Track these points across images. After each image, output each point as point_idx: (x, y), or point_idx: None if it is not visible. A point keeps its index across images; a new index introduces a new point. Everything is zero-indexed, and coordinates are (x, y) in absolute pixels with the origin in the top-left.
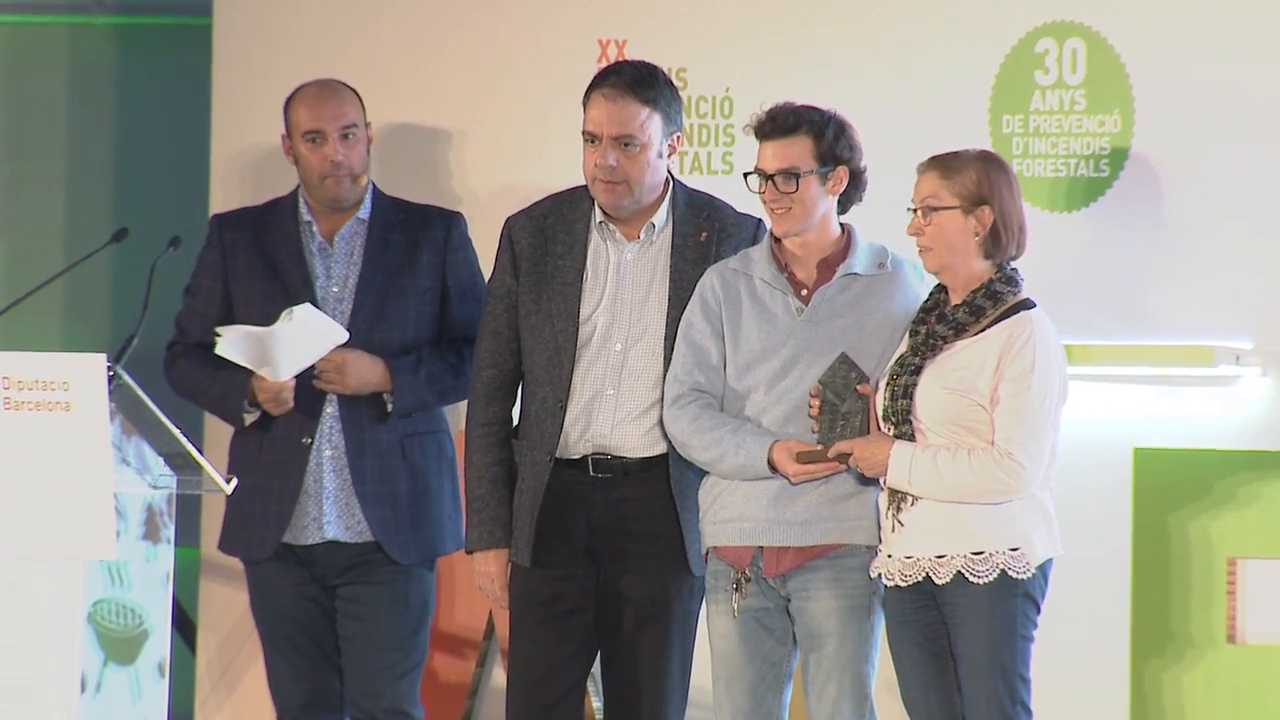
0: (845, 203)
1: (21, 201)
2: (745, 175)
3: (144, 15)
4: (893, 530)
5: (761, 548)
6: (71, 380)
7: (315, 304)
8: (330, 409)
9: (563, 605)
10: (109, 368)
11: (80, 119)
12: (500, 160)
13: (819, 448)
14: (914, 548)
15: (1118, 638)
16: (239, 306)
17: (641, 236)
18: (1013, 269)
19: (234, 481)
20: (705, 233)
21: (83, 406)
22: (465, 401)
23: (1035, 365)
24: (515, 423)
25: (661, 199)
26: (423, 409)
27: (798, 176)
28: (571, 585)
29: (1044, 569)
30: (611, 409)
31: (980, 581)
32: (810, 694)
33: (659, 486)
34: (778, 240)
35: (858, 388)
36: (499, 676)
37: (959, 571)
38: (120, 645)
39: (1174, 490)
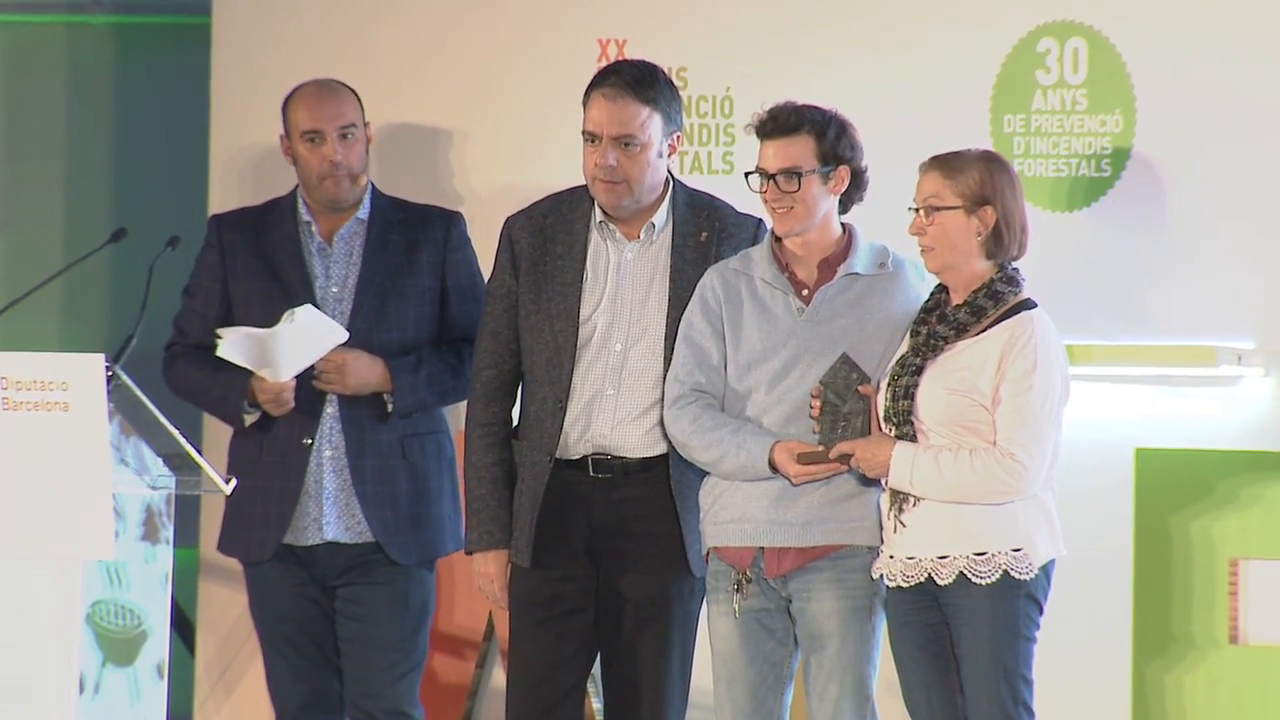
0: (846, 202)
1: (20, 201)
2: (746, 175)
3: (143, 15)
4: (895, 531)
5: (762, 548)
6: (70, 380)
7: (315, 304)
8: (330, 409)
9: (562, 606)
10: (107, 368)
11: (79, 119)
12: (500, 160)
13: (820, 448)
14: (916, 548)
15: (1119, 638)
16: (238, 307)
17: (641, 236)
18: (1014, 269)
19: (233, 482)
20: (705, 233)
21: (81, 407)
22: (465, 402)
23: (1037, 365)
24: (515, 423)
25: (661, 199)
26: (423, 409)
27: (800, 176)
28: (571, 586)
29: (1046, 569)
30: (611, 409)
31: (982, 582)
32: (811, 695)
33: (659, 487)
34: (778, 240)
35: (859, 388)
36: (499, 677)
37: (961, 572)
38: (119, 646)
39: (1176, 491)
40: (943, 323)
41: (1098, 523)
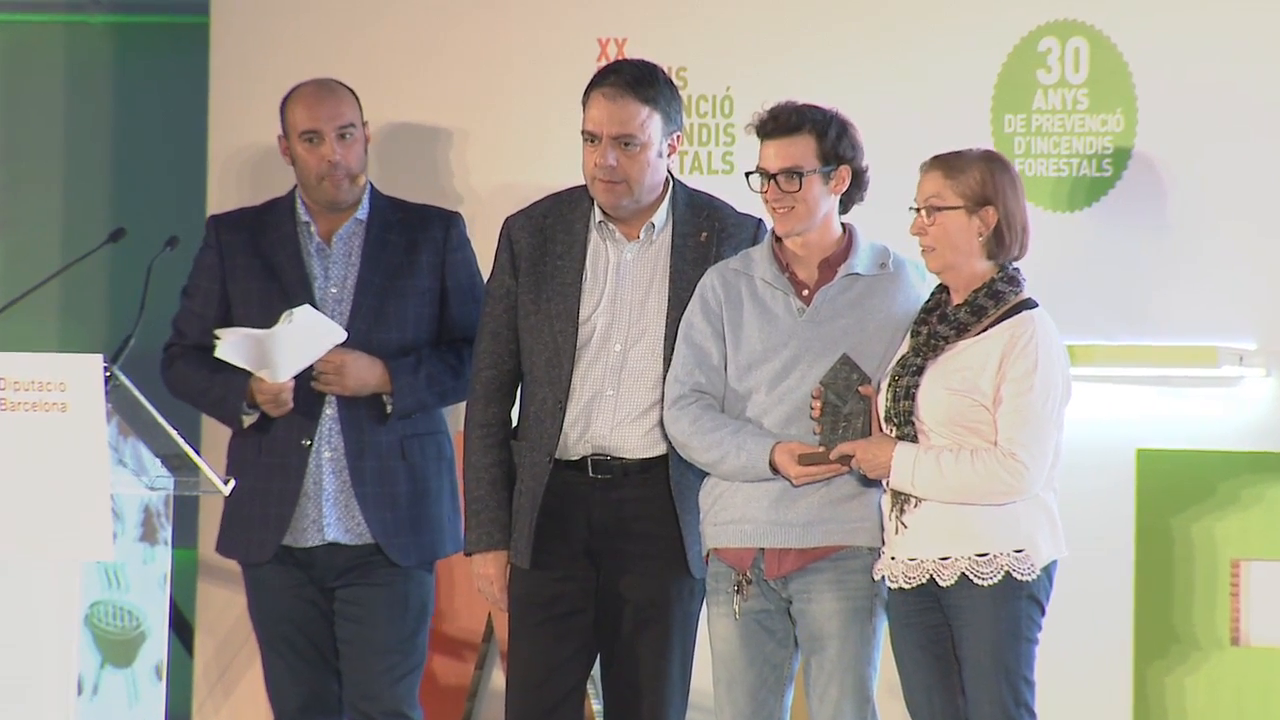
0: (847, 202)
1: (18, 201)
2: (747, 175)
3: (141, 14)
4: (896, 532)
5: (763, 549)
6: (68, 381)
7: (313, 305)
8: (329, 410)
9: (562, 607)
10: (106, 368)
11: (77, 118)
12: (500, 159)
13: (821, 449)
14: (917, 550)
15: (1121, 640)
16: (236, 308)
17: (641, 236)
18: (1015, 269)
19: (232, 483)
20: (705, 233)
21: (79, 407)
22: (464, 402)
23: (1038, 365)
24: (514, 424)
25: (661, 199)
26: (422, 410)
27: (801, 176)
28: (571, 587)
29: (1048, 570)
30: (611, 410)
31: (984, 583)
32: (812, 696)
33: (659, 488)
34: (779, 240)
35: (859, 389)
36: (498, 679)
37: (963, 573)
38: (117, 647)
39: (1177, 492)
40: (943, 323)
41: (1099, 524)
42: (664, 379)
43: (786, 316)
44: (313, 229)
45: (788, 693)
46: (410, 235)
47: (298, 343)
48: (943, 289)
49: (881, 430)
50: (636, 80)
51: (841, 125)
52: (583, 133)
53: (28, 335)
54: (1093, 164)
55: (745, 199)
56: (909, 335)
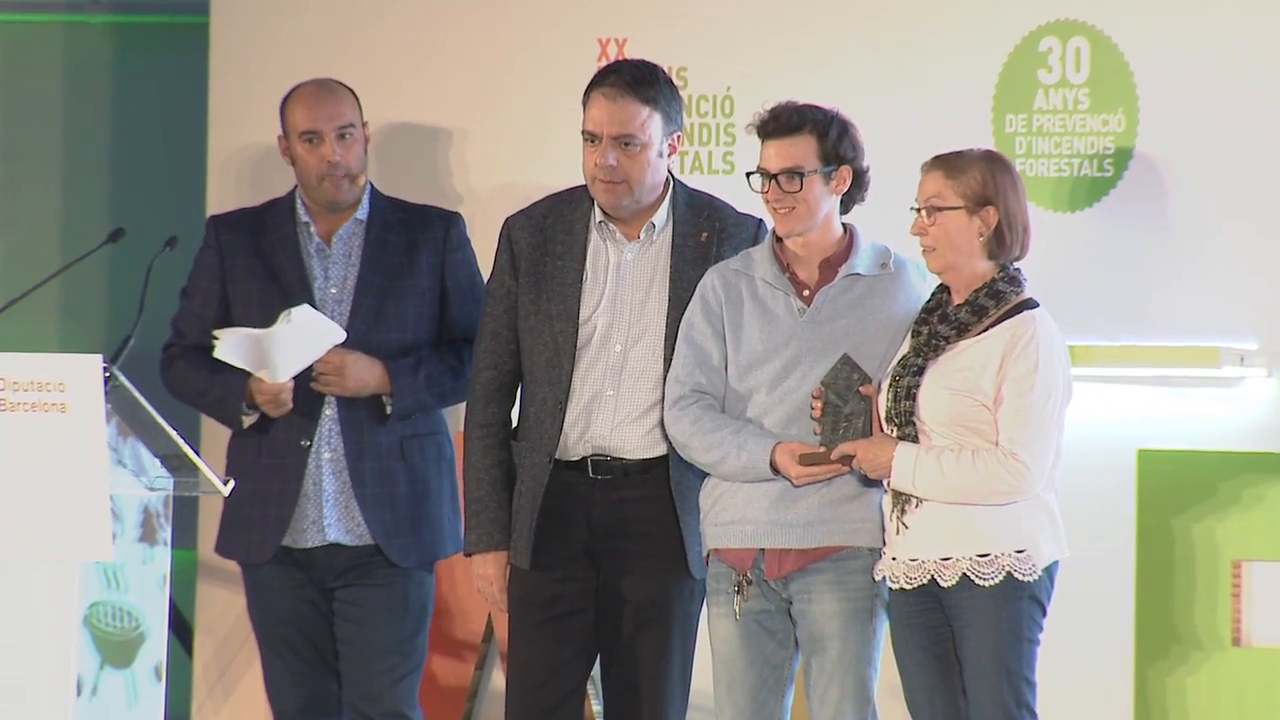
0: (848, 202)
1: (17, 201)
2: (748, 175)
3: (140, 14)
4: (897, 533)
5: (763, 550)
6: (67, 381)
7: (313, 305)
8: (329, 411)
9: (562, 607)
10: (105, 368)
11: (76, 118)
12: (500, 159)
13: (821, 449)
14: (919, 550)
15: (1122, 640)
16: (236, 308)
17: (641, 236)
18: (1016, 269)
19: (231, 483)
20: (706, 233)
21: (79, 408)
22: (464, 403)
23: (1039, 365)
24: (514, 424)
25: (662, 199)
26: (422, 411)
27: (802, 176)
28: (571, 587)
29: (1050, 571)
30: (611, 410)
31: (986, 584)
32: (812, 697)
33: (659, 488)
34: (779, 240)
35: (860, 389)
36: (498, 679)
37: (964, 574)
38: (116, 648)
39: (1178, 492)
40: (944, 323)
41: (1100, 524)
42: (664, 379)
43: (787, 317)
44: (312, 229)
45: (788, 693)
46: (410, 235)
47: (297, 343)
48: (944, 289)
49: (882, 430)
50: (637, 80)
51: (842, 125)
52: (583, 133)
53: (27, 335)
54: (1094, 164)
55: (746, 199)
56: (910, 335)
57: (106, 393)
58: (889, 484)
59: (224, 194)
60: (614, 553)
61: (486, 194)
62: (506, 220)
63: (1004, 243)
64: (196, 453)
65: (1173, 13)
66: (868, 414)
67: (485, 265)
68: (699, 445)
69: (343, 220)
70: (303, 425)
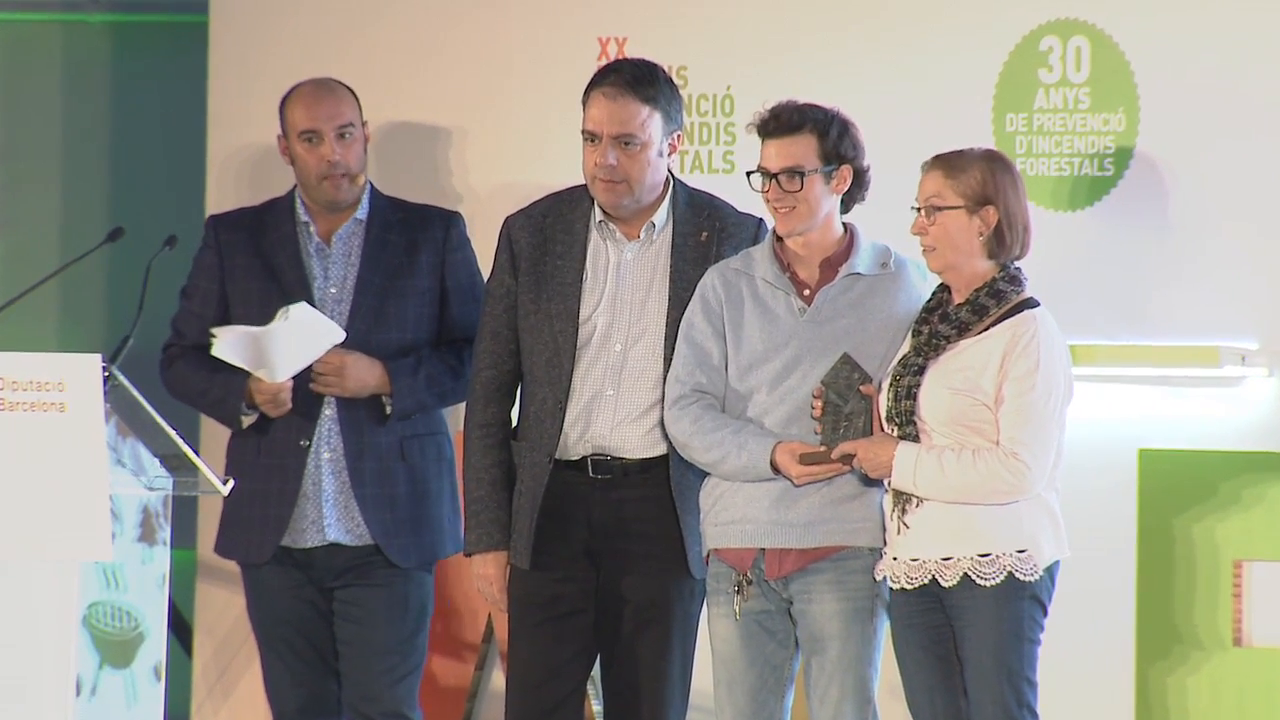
0: (848, 202)
1: (16, 201)
2: (748, 174)
3: (139, 13)
4: (898, 532)
5: (763, 550)
6: (66, 381)
7: (313, 305)
8: (329, 411)
9: (562, 607)
10: (104, 368)
11: (75, 117)
12: (499, 159)
13: (822, 449)
14: (920, 550)
15: (1123, 640)
16: (235, 308)
17: (641, 236)
18: (1017, 268)
19: (230, 483)
20: (706, 232)
21: (78, 407)
22: (464, 403)
23: (1040, 364)
24: (514, 424)
25: (662, 198)
26: (422, 411)
27: (802, 175)
28: (571, 587)
29: (1051, 571)
30: (611, 410)
31: (987, 584)
32: (812, 698)
33: (659, 488)
34: (780, 240)
35: (861, 388)
36: (498, 680)
37: (965, 574)
38: (115, 648)
39: (1179, 492)
40: (945, 322)
41: (1101, 524)
42: (664, 379)
43: (788, 316)
44: (312, 229)
45: (788, 694)
46: (410, 235)
47: (295, 341)
48: (944, 288)
49: (883, 430)
50: (637, 79)
51: (843, 124)
52: (583, 132)
53: (26, 335)
54: (1094, 163)
55: (746, 198)
56: (910, 335)
57: (106, 392)
58: (890, 483)
59: (223, 193)
60: (614, 553)
61: (486, 193)
62: (506, 220)
63: (1004, 242)
64: (196, 452)
65: (1174, 12)
66: (868, 413)
67: (485, 265)
68: (699, 445)
69: (342, 220)
70: (302, 425)
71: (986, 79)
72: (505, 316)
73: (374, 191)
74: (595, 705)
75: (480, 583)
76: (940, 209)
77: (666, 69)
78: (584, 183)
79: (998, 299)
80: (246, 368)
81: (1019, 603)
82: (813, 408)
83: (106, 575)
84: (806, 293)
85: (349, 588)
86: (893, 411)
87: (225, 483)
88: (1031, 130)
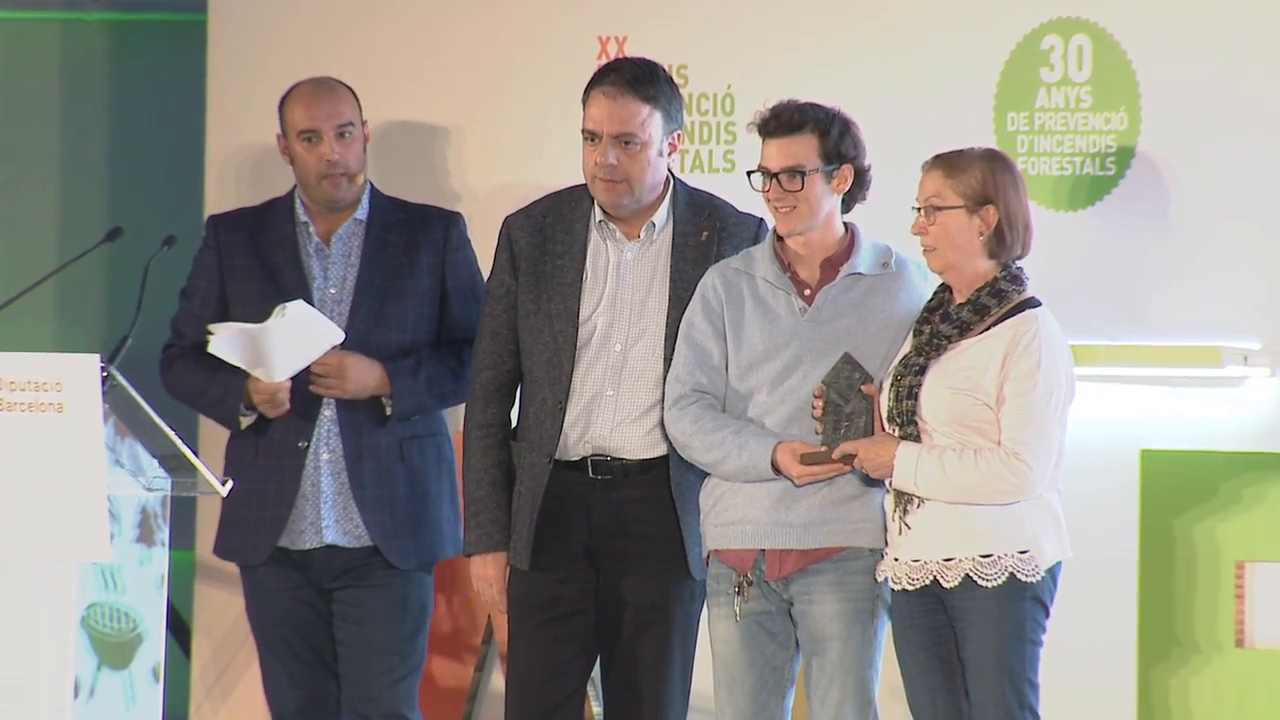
0: (849, 201)
1: (14, 200)
2: (749, 174)
3: (138, 12)
4: (899, 533)
5: (764, 550)
6: (64, 381)
7: (312, 306)
8: (328, 412)
9: (562, 608)
10: (102, 368)
11: (74, 116)
12: (499, 158)
13: (823, 449)
14: (921, 551)
15: (1124, 641)
16: (235, 308)
17: (642, 236)
18: (1018, 268)
19: (229, 484)
20: (706, 232)
21: (76, 407)
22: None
23: (1041, 364)
24: (514, 424)
25: (662, 198)
26: (422, 413)
27: (803, 175)
28: (571, 588)
29: (1053, 572)
30: (611, 410)
31: (988, 585)
32: (813, 699)
33: (659, 488)
34: (780, 239)
35: (861, 388)
36: (498, 681)
37: (967, 575)
38: (114, 650)
39: (1181, 493)
40: (946, 322)
41: (1102, 525)
42: (664, 379)
43: (788, 316)
44: (312, 229)
45: (789, 695)
46: (410, 235)
47: (293, 340)
48: (945, 288)
49: (884, 430)
50: (637, 79)
51: (844, 124)
52: (583, 131)
53: (24, 335)
54: (1096, 163)
55: (747, 198)
56: (911, 334)
57: (104, 392)
58: (891, 484)
59: (222, 193)
60: (614, 553)
61: (485, 193)
62: (506, 219)
63: (1004, 242)
64: (194, 453)
65: (1175, 11)
66: (869, 413)
67: (484, 265)
68: (700, 445)
69: (342, 220)
70: (300, 426)
71: (988, 78)
72: (505, 317)
73: (374, 192)
74: (595, 706)
75: (480, 583)
76: (940, 209)
77: (667, 68)
78: (584, 182)
79: (999, 298)
80: (243, 366)
81: (1021, 604)
82: (814, 408)
83: (105, 576)
84: (807, 292)
85: (348, 589)
86: (894, 411)
87: (224, 483)
88: (1033, 129)
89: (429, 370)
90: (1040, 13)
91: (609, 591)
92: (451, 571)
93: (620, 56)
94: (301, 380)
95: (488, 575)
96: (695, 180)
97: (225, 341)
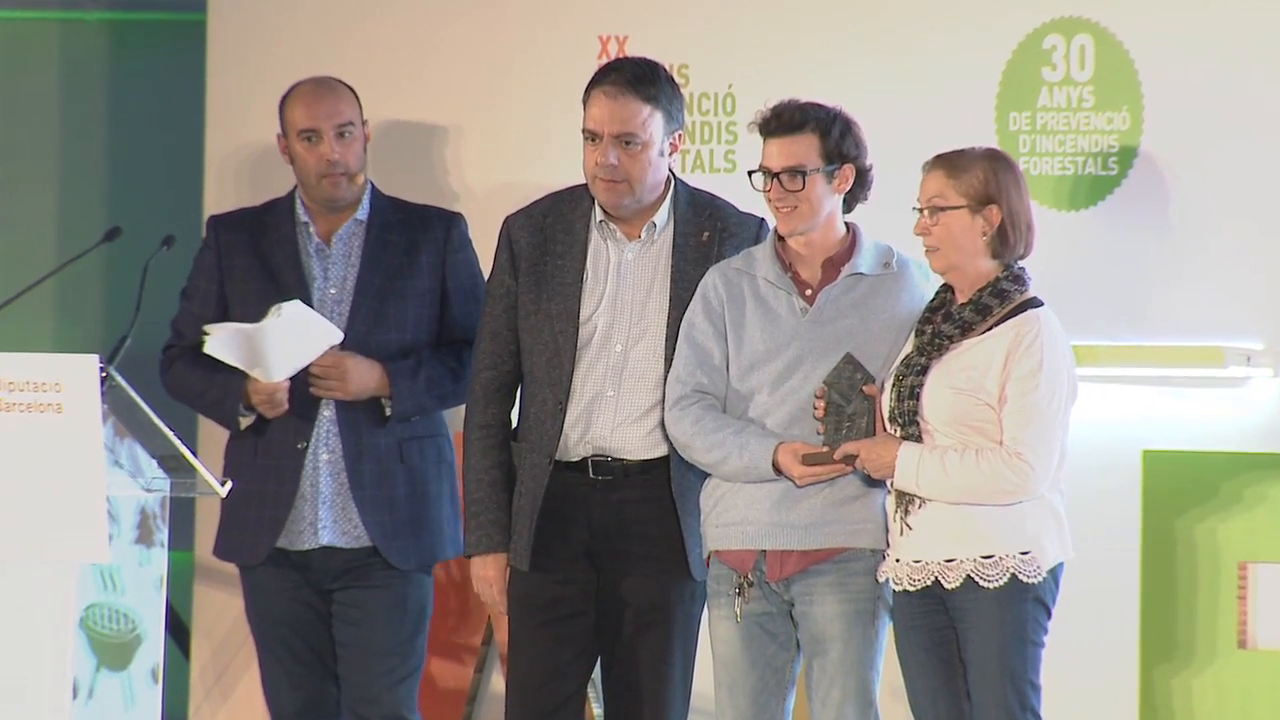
0: (850, 201)
1: (13, 200)
2: (750, 173)
3: (137, 11)
4: (901, 534)
5: (765, 551)
6: (63, 381)
7: (311, 306)
8: (327, 413)
9: (562, 609)
10: (101, 368)
11: (73, 116)
12: (499, 158)
13: (824, 449)
14: (922, 551)
15: (1127, 643)
16: (234, 309)
17: (642, 236)
18: (1020, 267)
19: (229, 484)
20: (707, 232)
21: (75, 408)
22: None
23: (1043, 364)
24: (514, 425)
25: (663, 198)
26: (421, 414)
27: (804, 174)
28: (571, 589)
29: (1055, 573)
30: (612, 410)
31: (990, 586)
32: (814, 700)
33: (660, 489)
34: (781, 239)
35: (863, 388)
36: (498, 682)
37: (968, 575)
38: (113, 651)
39: (1183, 493)
40: (948, 322)
41: (1104, 526)
42: (665, 379)
43: (789, 316)
44: (312, 229)
45: (789, 696)
46: (411, 236)
47: (290, 340)
48: (947, 288)
49: (886, 430)
50: (638, 78)
51: (845, 123)
52: (583, 131)
53: (23, 335)
54: (1098, 162)
55: (748, 198)
56: (913, 334)
57: (103, 393)
58: (892, 484)
59: (221, 193)
60: (614, 554)
61: (485, 193)
62: (506, 219)
63: (1008, 241)
64: (194, 453)
65: (1178, 10)
66: (871, 414)
67: (484, 264)
68: (700, 445)
69: (342, 220)
70: (299, 427)
71: (989, 77)
72: (505, 317)
73: (375, 192)
74: (596, 708)
75: (480, 584)
76: (943, 209)
77: (667, 68)
78: (584, 182)
79: (1001, 298)
80: (240, 366)
81: (1022, 605)
82: (815, 408)
83: (104, 577)
84: (809, 293)
85: (348, 589)
86: (895, 412)
87: (223, 484)
88: (1035, 129)
89: (429, 371)
90: (1042, 12)
91: (609, 592)
92: (452, 572)
93: (621, 56)
94: (300, 381)
95: (488, 576)
96: (696, 180)
97: (221, 341)
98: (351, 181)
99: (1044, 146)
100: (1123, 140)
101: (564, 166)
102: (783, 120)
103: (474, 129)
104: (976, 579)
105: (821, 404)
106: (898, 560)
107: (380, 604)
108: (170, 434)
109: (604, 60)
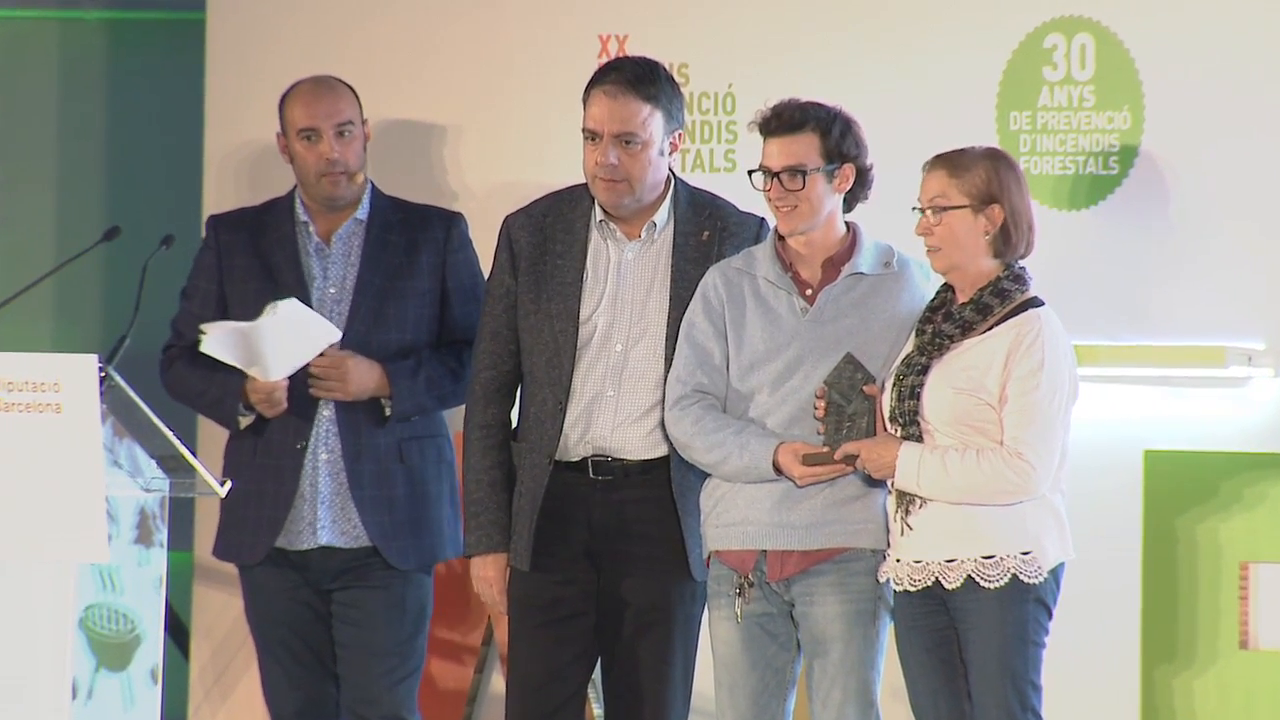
0: (851, 201)
1: (12, 200)
2: (750, 173)
3: (136, 10)
4: (901, 534)
5: (765, 552)
6: (62, 381)
7: (310, 306)
8: (327, 413)
9: (562, 610)
10: (100, 368)
11: (72, 115)
12: (499, 157)
13: (825, 449)
14: (923, 552)
15: (1128, 643)
16: (234, 309)
17: (642, 235)
18: (1021, 267)
19: (228, 484)
20: (707, 232)
21: (74, 408)
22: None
23: (1044, 363)
24: (514, 425)
25: (663, 197)
26: (421, 414)
27: (804, 174)
28: (571, 589)
29: (1056, 573)
30: (612, 410)
31: (991, 586)
32: (814, 700)
33: (660, 489)
34: (782, 239)
35: (864, 388)
36: (498, 682)
37: (969, 576)
38: (112, 651)
39: (1185, 493)
40: (948, 321)
41: (1105, 526)
42: (665, 379)
43: (790, 316)
44: (312, 229)
45: (790, 696)
46: (411, 235)
47: (287, 338)
48: (948, 288)
49: (886, 430)
50: (638, 78)
51: (845, 123)
52: (583, 131)
53: (21, 335)
54: (1099, 162)
55: (748, 197)
56: (914, 334)
57: (102, 393)
58: (893, 484)
59: (221, 192)
60: (615, 554)
61: (485, 192)
62: (506, 219)
63: (1009, 240)
64: (193, 453)
65: (1179, 9)
66: (871, 414)
67: (485, 264)
68: (701, 445)
69: (342, 220)
70: (299, 427)
71: (990, 77)
72: (505, 317)
73: (375, 191)
74: (596, 708)
75: (479, 585)
76: (945, 209)
77: (667, 67)
78: (584, 182)
79: (1002, 298)
80: (238, 365)
81: (1023, 605)
82: (815, 408)
83: (103, 577)
84: (809, 292)
85: (347, 590)
86: (896, 412)
87: (222, 484)
88: (1035, 128)
89: (428, 371)
90: (1043, 11)
91: (610, 593)
92: (451, 572)
93: (621, 55)
94: (300, 380)
95: (488, 576)
96: (696, 179)
97: (218, 340)
98: (351, 181)
99: (1044, 146)
100: (1123, 140)
101: (564, 166)
102: (783, 119)
103: (474, 129)
104: (977, 579)
105: (822, 404)
106: (898, 560)
107: (380, 604)
108: (169, 434)
109: (604, 60)
